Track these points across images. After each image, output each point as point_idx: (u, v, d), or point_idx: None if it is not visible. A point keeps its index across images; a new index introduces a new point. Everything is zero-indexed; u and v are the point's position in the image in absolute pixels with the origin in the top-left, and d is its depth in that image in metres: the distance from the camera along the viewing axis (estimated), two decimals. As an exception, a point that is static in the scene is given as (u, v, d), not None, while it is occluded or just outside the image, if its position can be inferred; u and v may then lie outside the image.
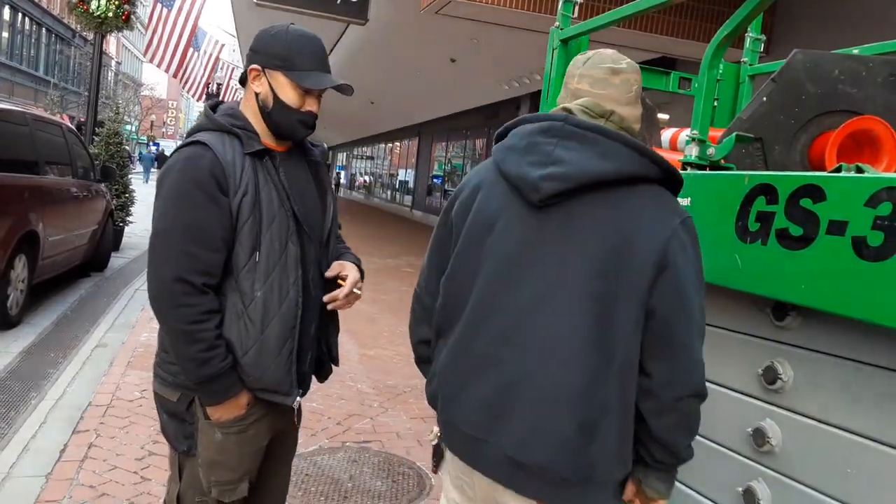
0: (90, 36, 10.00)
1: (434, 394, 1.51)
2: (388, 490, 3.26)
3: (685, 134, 1.76)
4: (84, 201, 7.05)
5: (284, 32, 1.71)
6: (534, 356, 1.32)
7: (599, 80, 1.42)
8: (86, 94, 10.24)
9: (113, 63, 50.59)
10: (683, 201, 1.63)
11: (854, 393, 1.33)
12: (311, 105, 1.72)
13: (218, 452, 1.70)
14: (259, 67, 1.69)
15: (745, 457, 1.53)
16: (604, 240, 1.30)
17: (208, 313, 1.60)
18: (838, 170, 1.32)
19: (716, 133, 2.03)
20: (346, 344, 5.86)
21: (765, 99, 1.62)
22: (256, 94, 1.71)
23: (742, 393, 1.57)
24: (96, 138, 9.55)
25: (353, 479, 3.35)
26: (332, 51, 14.78)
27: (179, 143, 1.70)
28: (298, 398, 1.78)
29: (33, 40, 34.91)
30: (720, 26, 1.68)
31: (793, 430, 1.44)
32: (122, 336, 5.42)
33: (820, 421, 1.39)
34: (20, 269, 5.45)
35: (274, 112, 1.70)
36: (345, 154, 45.60)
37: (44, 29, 35.66)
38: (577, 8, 2.40)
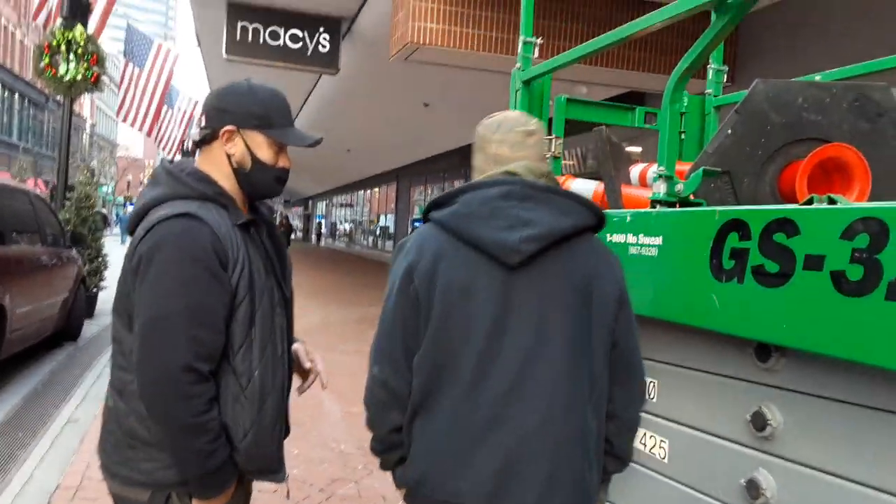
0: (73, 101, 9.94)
1: (420, 475, 1.45)
2: (375, 558, 3.09)
3: (653, 170, 1.70)
4: (54, 269, 6.89)
5: (252, 90, 1.64)
6: (541, 407, 1.38)
7: (517, 144, 1.51)
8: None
9: (87, 125, 50.72)
10: (655, 240, 1.57)
11: (849, 437, 1.24)
12: (283, 161, 1.67)
13: None
14: (234, 128, 1.60)
15: (742, 510, 1.43)
16: (573, 288, 1.41)
17: (211, 401, 1.48)
18: (810, 201, 1.26)
19: (685, 167, 1.98)
20: (326, 402, 5.69)
21: (730, 131, 1.57)
22: (229, 156, 1.62)
23: (732, 441, 1.47)
24: (67, 202, 9.42)
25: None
26: (305, 101, 14.88)
27: (154, 214, 1.53)
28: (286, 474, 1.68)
29: (6, 106, 34.93)
30: (682, 59, 1.64)
31: (787, 479, 1.34)
32: (95, 409, 5.22)
33: (815, 468, 1.29)
34: (-14, 343, 5.26)
35: (253, 172, 1.63)
36: (324, 203, 45.66)
37: (16, 94, 35.74)
38: (537, 48, 2.37)
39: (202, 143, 1.65)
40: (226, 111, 1.62)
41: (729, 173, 1.56)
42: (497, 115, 1.58)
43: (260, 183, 1.65)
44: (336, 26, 8.53)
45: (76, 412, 5.14)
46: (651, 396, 1.68)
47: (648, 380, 1.68)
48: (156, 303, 1.45)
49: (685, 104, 2.34)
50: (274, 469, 1.64)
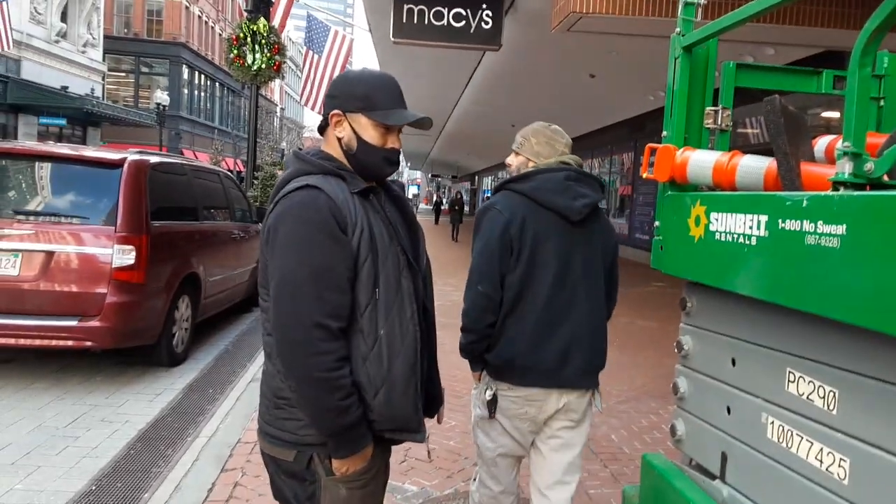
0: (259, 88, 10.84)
1: (512, 354, 2.28)
2: (524, 541, 3.06)
3: (840, 145, 1.45)
4: (242, 242, 7.55)
5: (360, 76, 1.75)
6: (586, 309, 2.34)
7: (568, 144, 2.49)
8: (258, 141, 11.10)
9: (277, 109, 54.97)
10: (837, 229, 1.34)
11: None
12: (393, 142, 1.74)
13: None
14: (340, 112, 1.71)
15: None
16: (603, 237, 2.43)
17: (343, 359, 1.57)
18: None
19: (881, 140, 1.69)
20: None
21: (937, 97, 1.30)
22: (339, 139, 1.72)
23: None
24: (255, 181, 10.26)
25: (486, 526, 3.18)
26: (469, 79, 14.97)
27: (291, 187, 1.65)
28: (427, 434, 1.77)
29: (208, 94, 38.78)
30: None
31: None
32: (274, 370, 5.68)
33: None
34: (184, 309, 5.88)
35: (359, 153, 1.72)
36: (490, 178, 46.01)
37: (217, 83, 39.51)
38: (699, 10, 2.13)
39: (322, 129, 1.78)
40: (334, 97, 1.74)
41: (936, 148, 1.29)
42: (554, 125, 2.53)
43: (368, 163, 1.72)
44: (499, 2, 8.42)
45: (259, 372, 5.62)
46: (830, 408, 1.46)
47: (828, 388, 1.46)
48: (283, 268, 1.56)
49: (885, 65, 2.00)
50: (412, 429, 1.71)
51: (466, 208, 50.18)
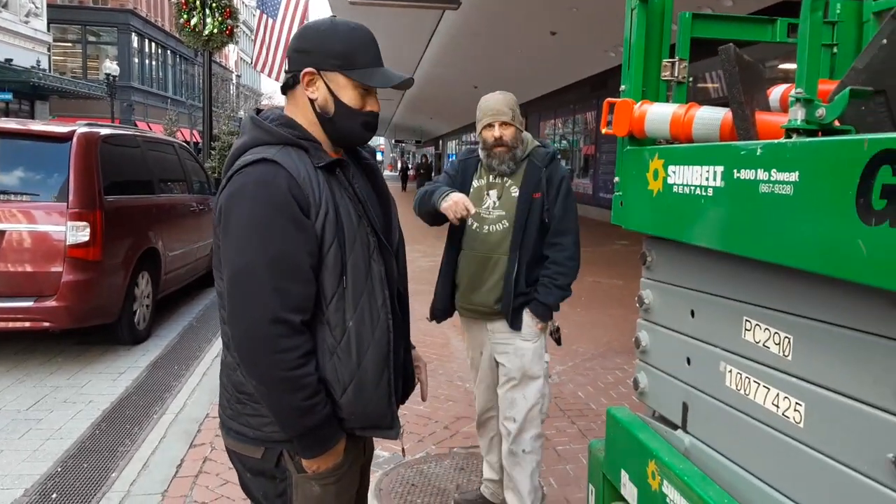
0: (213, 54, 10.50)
1: None
2: (495, 498, 3.10)
3: (793, 93, 1.44)
4: (202, 214, 7.40)
5: (334, 27, 1.53)
6: None
7: None
8: (213, 110, 10.80)
9: (233, 76, 53.61)
10: (790, 176, 1.34)
11: None
12: (372, 104, 1.57)
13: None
14: (314, 70, 1.51)
15: (887, 487, 1.23)
16: None
17: (307, 355, 1.43)
18: None
19: (832, 87, 1.69)
20: (454, 341, 5.76)
21: (884, 41, 1.29)
22: (312, 101, 1.53)
23: (878, 408, 1.26)
24: (212, 152, 10.03)
25: (459, 488, 3.22)
26: (430, 40, 14.74)
27: (245, 161, 1.45)
28: (401, 429, 1.64)
29: (160, 62, 37.59)
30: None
31: (950, 458, 1.13)
32: (241, 343, 5.62)
33: None
34: (144, 285, 5.78)
35: (337, 117, 1.54)
36: (454, 142, 45.77)
37: (168, 51, 38.31)
38: (654, -42, 2.09)
39: (286, 88, 1.56)
40: (306, 52, 1.52)
41: (884, 93, 1.29)
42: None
43: (346, 129, 1.56)
44: (456, -42, 8.26)
45: (224, 348, 5.56)
46: (785, 354, 1.48)
47: (783, 335, 1.48)
48: (238, 256, 1.40)
49: (838, 11, 1.99)
50: (384, 425, 1.57)
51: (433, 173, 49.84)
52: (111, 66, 26.00)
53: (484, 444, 3.02)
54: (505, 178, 2.75)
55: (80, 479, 3.32)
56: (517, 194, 2.70)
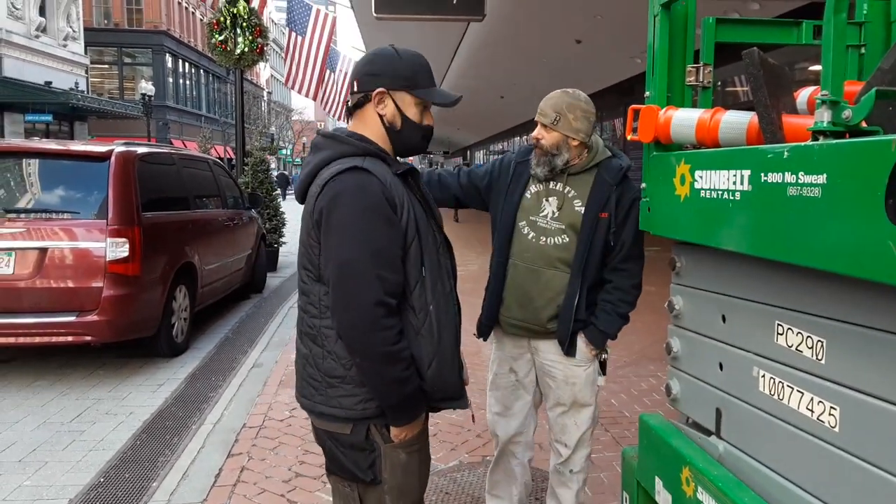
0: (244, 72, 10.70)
1: None
2: (529, 507, 3.09)
3: (819, 95, 1.44)
4: (236, 228, 7.53)
5: (399, 54, 1.79)
6: None
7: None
8: (245, 126, 11.01)
9: (264, 93, 54.49)
10: (817, 179, 1.34)
11: None
12: (428, 119, 1.84)
13: (404, 474, 1.77)
14: (384, 90, 1.75)
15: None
16: None
17: (401, 333, 1.66)
18: None
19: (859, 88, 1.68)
20: (484, 349, 5.76)
21: (912, 40, 1.28)
22: (381, 116, 1.77)
23: (917, 412, 1.24)
24: (245, 167, 10.20)
25: (492, 495, 3.22)
26: (456, 51, 14.83)
27: (325, 172, 1.71)
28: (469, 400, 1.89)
29: (194, 81, 38.39)
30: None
31: None
32: (276, 355, 5.70)
33: None
34: (181, 299, 5.89)
35: (403, 131, 1.79)
36: (481, 152, 45.83)
37: (202, 70, 39.13)
38: (677, -36, 2.10)
39: (356, 107, 1.80)
40: (377, 75, 1.75)
41: (913, 92, 1.28)
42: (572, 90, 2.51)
43: (409, 140, 1.81)
44: (480, -30, 8.31)
45: (260, 357, 5.65)
46: (819, 358, 1.47)
47: (816, 339, 1.47)
48: (343, 250, 1.61)
49: (865, 11, 1.97)
50: (458, 396, 1.82)
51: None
52: (146, 87, 26.65)
53: (499, 476, 2.76)
54: (566, 187, 2.51)
55: (121, 489, 3.40)
56: (582, 210, 2.48)
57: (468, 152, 52.42)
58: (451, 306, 1.79)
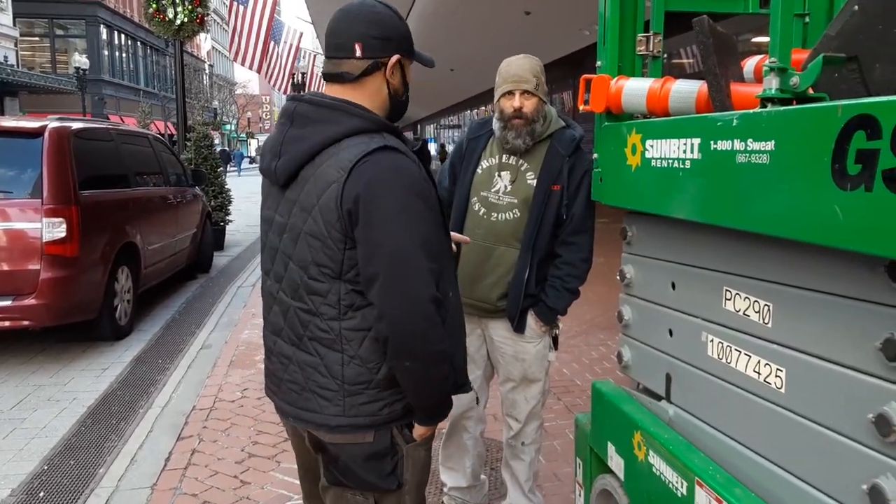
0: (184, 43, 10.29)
1: None
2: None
3: (767, 62, 1.45)
4: (179, 206, 7.32)
5: (393, 13, 1.58)
6: None
7: None
8: (187, 101, 10.65)
9: (206, 66, 52.86)
10: (765, 145, 1.35)
11: None
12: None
13: (423, 471, 1.63)
14: (398, 56, 1.56)
15: (869, 448, 1.26)
16: None
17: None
18: (962, 85, 1.02)
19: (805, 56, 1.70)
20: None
21: (856, 7, 1.30)
22: (390, 84, 1.58)
23: (858, 371, 1.28)
24: (188, 143, 9.90)
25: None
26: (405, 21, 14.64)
27: (345, 153, 1.46)
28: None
29: (131, 54, 36.94)
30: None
31: (927, 416, 1.15)
32: (225, 335, 5.60)
33: (963, 405, 1.10)
34: (124, 280, 5.71)
35: (404, 99, 1.64)
36: (432, 126, 45.61)
37: (139, 43, 37.65)
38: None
39: (362, 75, 1.54)
40: (389, 39, 1.54)
41: (857, 59, 1.30)
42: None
43: (403, 108, 1.65)
44: (427, -62, 8.17)
45: (209, 338, 5.53)
46: (765, 321, 1.50)
47: (763, 303, 1.50)
48: (392, 242, 1.42)
49: (809, -19, 2.00)
50: (465, 382, 1.68)
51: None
52: (80, 60, 25.50)
53: (452, 450, 2.75)
54: (520, 160, 2.44)
55: (67, 476, 3.30)
56: (534, 183, 2.41)
57: (418, 126, 52.12)
58: (458, 292, 1.67)
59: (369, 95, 1.56)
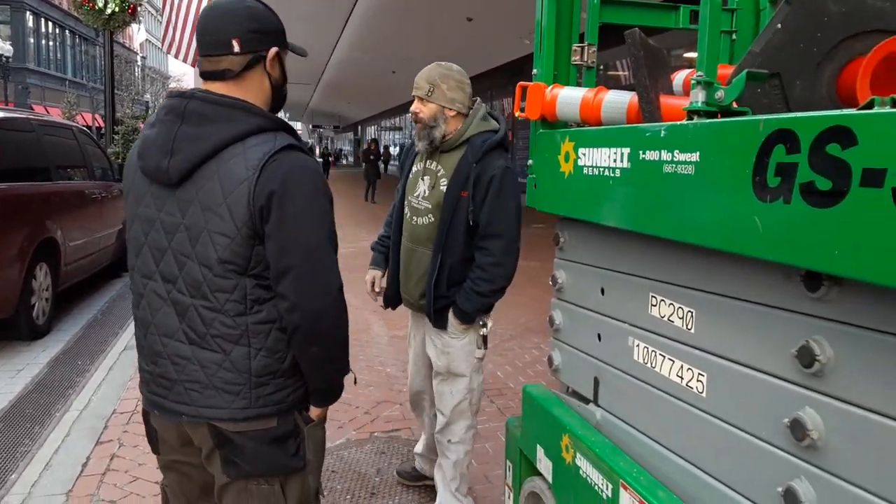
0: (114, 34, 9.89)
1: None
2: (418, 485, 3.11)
3: (694, 76, 1.50)
4: (104, 202, 7.03)
5: (267, 7, 1.60)
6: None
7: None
8: (117, 93, 10.24)
9: (138, 58, 51.11)
10: (691, 156, 1.39)
11: (909, 375, 1.09)
12: None
13: (321, 451, 1.73)
14: (277, 49, 1.59)
15: (784, 451, 1.31)
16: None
17: None
18: (870, 105, 1.06)
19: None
20: (374, 326, 5.73)
21: (779, 25, 1.35)
22: (270, 77, 1.60)
23: (775, 376, 1.33)
24: (116, 137, 9.53)
25: (380, 472, 3.22)
26: (346, 23, 14.51)
27: (252, 151, 1.47)
28: None
29: (58, 42, 35.37)
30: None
31: (837, 420, 1.20)
32: (151, 335, 5.39)
33: (868, 409, 1.15)
34: (42, 277, 5.44)
35: (284, 90, 1.68)
36: (373, 127, 45.36)
37: (67, 31, 36.09)
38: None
39: (243, 70, 1.54)
40: (267, 33, 1.57)
41: (779, 75, 1.35)
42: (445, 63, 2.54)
43: (284, 100, 1.69)
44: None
45: (132, 339, 5.32)
46: (688, 327, 1.54)
47: (686, 309, 1.54)
48: (305, 237, 1.49)
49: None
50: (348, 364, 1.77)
51: (350, 159, 48.63)
52: (4, 47, 24.24)
53: (420, 422, 3.06)
54: (438, 166, 2.55)
55: (-27, 483, 3.11)
56: (445, 189, 2.50)
57: (359, 127, 51.74)
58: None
59: (254, 90, 1.57)
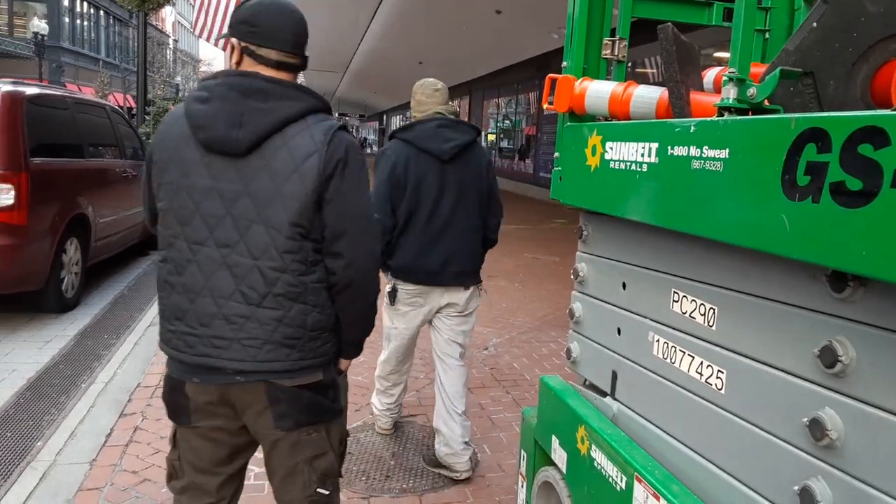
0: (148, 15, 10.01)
1: (404, 262, 2.97)
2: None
3: (726, 73, 1.49)
4: (135, 181, 7.14)
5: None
6: (461, 229, 2.99)
7: (430, 95, 3.05)
8: (148, 74, 10.38)
9: (170, 41, 51.61)
10: (720, 153, 1.39)
11: (931, 378, 1.08)
12: None
13: (346, 397, 1.97)
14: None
15: (802, 451, 1.31)
16: (474, 171, 3.05)
17: None
18: (906, 106, 1.06)
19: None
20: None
21: (815, 24, 1.34)
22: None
23: (796, 376, 1.33)
24: (147, 117, 9.66)
25: (395, 456, 3.26)
26: (374, 14, 14.52)
27: (318, 126, 1.70)
28: None
29: (92, 23, 35.82)
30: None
31: (856, 421, 1.20)
32: (175, 313, 5.48)
33: (889, 412, 1.15)
34: (73, 252, 5.55)
35: None
36: (398, 117, 45.40)
37: (102, 12, 36.54)
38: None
39: (299, 69, 1.82)
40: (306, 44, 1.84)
41: (812, 74, 1.35)
42: (421, 81, 3.11)
43: None
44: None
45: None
46: (710, 324, 1.54)
47: (708, 306, 1.55)
48: (362, 201, 1.74)
49: (771, -3, 2.06)
50: None
51: (375, 147, 48.60)
52: (40, 25, 24.62)
53: (394, 379, 3.45)
54: None
55: (2, 448, 3.20)
56: None
57: (384, 116, 51.81)
58: None
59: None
